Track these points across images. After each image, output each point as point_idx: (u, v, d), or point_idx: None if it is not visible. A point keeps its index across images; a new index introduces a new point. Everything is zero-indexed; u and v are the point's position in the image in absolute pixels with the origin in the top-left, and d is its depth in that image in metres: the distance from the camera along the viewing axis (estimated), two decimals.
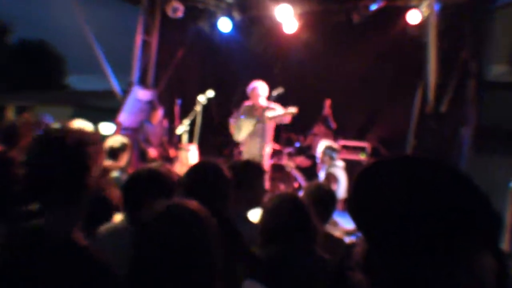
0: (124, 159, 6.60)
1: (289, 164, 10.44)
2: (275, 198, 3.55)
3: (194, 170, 3.65)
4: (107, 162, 6.19)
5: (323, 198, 4.57)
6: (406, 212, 1.20)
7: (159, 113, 12.17)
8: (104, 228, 3.48)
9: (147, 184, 3.43)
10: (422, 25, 11.80)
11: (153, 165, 4.96)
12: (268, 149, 9.80)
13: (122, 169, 6.40)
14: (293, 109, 9.36)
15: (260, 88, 9.85)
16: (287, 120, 9.75)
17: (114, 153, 6.42)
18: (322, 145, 9.01)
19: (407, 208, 1.20)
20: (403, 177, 1.25)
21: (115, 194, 4.40)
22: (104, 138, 6.24)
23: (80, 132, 2.39)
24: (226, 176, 3.59)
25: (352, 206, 1.33)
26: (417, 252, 1.19)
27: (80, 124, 5.84)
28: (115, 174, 6.02)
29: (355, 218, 1.32)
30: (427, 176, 1.25)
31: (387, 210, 1.23)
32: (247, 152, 9.57)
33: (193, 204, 2.12)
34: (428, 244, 1.18)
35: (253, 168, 4.35)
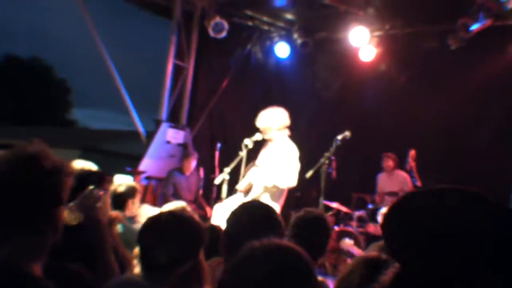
0: (132, 208, 6.92)
1: (345, 242, 10.57)
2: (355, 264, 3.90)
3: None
4: (113, 212, 6.04)
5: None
6: (438, 239, 1.78)
7: (193, 160, 12.57)
8: (116, 280, 3.96)
9: (169, 234, 3.84)
10: None
11: (173, 208, 5.52)
12: None
13: (130, 219, 6.71)
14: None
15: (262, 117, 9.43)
16: None
17: (118, 200, 6.67)
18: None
19: (439, 236, 1.78)
20: (435, 207, 1.83)
21: (123, 251, 4.93)
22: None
23: (49, 157, 2.71)
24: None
25: (387, 231, 1.92)
26: (446, 279, 1.77)
27: (82, 164, 6.27)
28: (119, 227, 6.15)
29: (389, 243, 1.91)
30: (458, 206, 1.84)
31: (420, 236, 1.79)
32: None
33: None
34: (458, 272, 1.76)
35: (323, 225, 4.99)
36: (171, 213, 4.11)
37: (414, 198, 1.90)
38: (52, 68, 51.12)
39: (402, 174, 12.69)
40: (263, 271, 2.27)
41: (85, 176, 4.82)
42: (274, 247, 2.40)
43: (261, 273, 2.26)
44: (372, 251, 5.27)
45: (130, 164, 13.30)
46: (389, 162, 13.08)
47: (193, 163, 12.42)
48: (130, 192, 6.89)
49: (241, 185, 9.43)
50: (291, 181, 8.94)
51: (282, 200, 9.22)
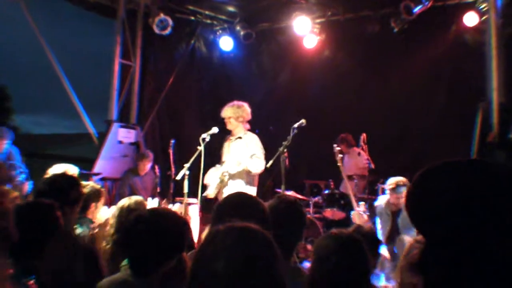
0: (95, 212, 6.72)
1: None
2: (327, 239, 3.96)
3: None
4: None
5: (371, 241, 5.10)
6: (463, 213, 1.82)
7: (148, 163, 12.38)
8: (107, 280, 4.04)
9: (156, 231, 3.88)
10: (482, 29, 12.13)
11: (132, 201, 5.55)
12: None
13: (87, 223, 6.47)
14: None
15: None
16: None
17: (83, 201, 6.20)
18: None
19: (464, 209, 1.82)
20: (462, 180, 1.89)
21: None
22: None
23: None
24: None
25: (412, 205, 2.00)
26: (471, 250, 1.83)
27: (62, 168, 6.17)
28: (78, 229, 6.14)
29: (415, 217, 1.98)
30: (484, 179, 1.90)
31: (446, 210, 1.85)
32: None
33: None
34: (482, 243, 1.82)
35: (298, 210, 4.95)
36: (155, 211, 4.14)
37: (430, 174, 1.99)
38: None
39: (356, 151, 12.84)
40: (226, 251, 2.32)
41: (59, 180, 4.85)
42: (236, 228, 2.46)
43: (224, 252, 2.32)
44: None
45: (83, 168, 13.13)
46: (341, 147, 13.24)
47: (148, 165, 12.32)
48: (94, 195, 6.69)
49: (210, 190, 9.71)
50: (261, 166, 9.51)
51: (255, 186, 9.73)
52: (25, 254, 3.60)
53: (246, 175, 9.58)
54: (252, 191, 9.46)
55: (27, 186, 10.76)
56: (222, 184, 9.66)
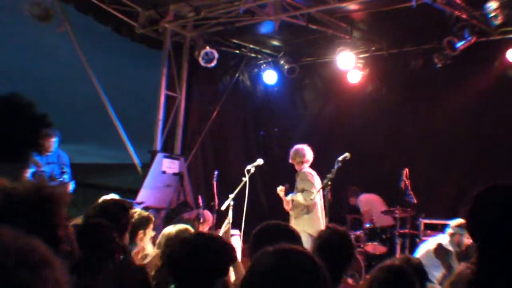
0: (144, 238, 6.71)
1: None
2: (380, 272, 4.09)
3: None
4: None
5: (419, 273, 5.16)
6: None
7: (207, 225, 12.14)
8: None
9: (203, 253, 3.96)
10: None
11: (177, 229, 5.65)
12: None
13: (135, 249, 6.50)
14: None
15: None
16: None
17: (132, 228, 6.12)
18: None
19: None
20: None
21: None
22: None
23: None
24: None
25: (474, 216, 2.40)
26: None
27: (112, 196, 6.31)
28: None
29: (475, 227, 2.32)
30: None
31: (501, 219, 2.29)
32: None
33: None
34: None
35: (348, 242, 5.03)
36: (201, 234, 4.25)
37: (487, 192, 2.55)
38: (33, 104, 50.29)
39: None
40: (271, 265, 2.37)
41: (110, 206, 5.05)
42: (283, 247, 2.50)
43: (269, 267, 2.37)
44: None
45: (127, 198, 13.23)
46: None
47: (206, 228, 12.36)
48: (141, 222, 6.65)
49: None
50: (308, 197, 10.25)
51: (310, 215, 10.40)
52: (82, 272, 3.71)
53: (301, 207, 10.39)
54: (309, 218, 10.29)
55: (70, 186, 11.55)
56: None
